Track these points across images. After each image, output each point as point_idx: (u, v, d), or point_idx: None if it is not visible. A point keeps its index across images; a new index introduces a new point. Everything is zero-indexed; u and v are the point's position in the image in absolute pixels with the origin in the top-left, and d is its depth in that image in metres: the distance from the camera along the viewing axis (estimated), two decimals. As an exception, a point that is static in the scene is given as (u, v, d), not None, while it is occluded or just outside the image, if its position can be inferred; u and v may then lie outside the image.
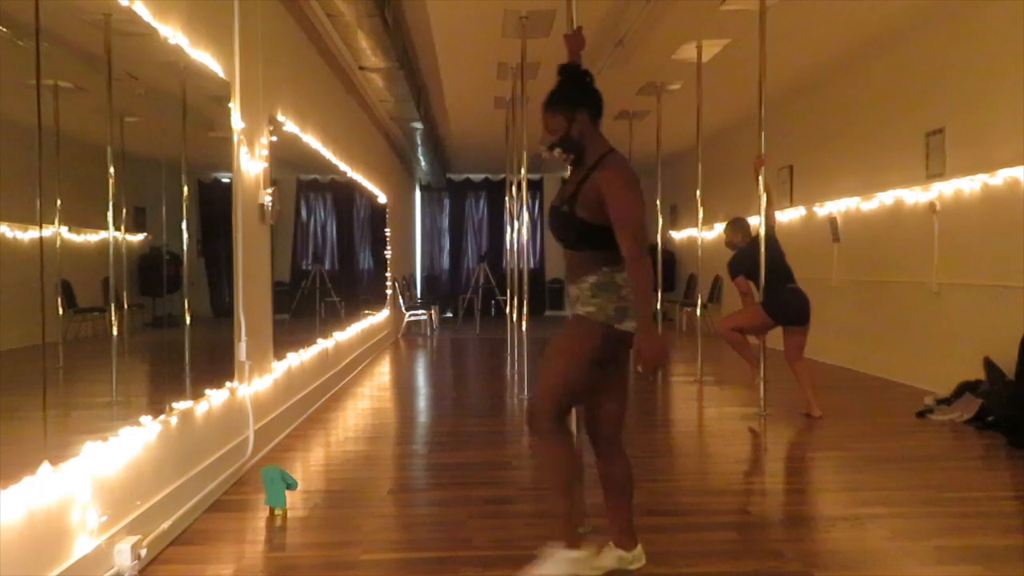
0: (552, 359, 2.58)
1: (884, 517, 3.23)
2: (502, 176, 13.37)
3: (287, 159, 5.15)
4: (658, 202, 8.73)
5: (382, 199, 9.83)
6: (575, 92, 2.57)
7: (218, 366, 3.89)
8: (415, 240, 15.30)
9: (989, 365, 5.15)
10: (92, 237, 2.71)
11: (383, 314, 9.94)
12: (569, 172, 2.72)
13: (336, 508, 3.47)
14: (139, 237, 3.05)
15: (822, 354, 5.84)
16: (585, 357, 2.50)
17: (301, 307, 6.04)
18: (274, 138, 4.72)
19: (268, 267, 4.70)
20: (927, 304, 6.23)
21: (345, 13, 5.09)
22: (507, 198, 9.15)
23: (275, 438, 4.63)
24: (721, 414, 5.60)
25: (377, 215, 9.66)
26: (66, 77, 2.50)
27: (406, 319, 11.80)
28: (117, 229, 2.80)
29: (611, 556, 2.68)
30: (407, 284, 12.75)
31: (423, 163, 12.37)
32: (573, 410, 3.03)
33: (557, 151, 2.59)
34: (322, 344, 6.21)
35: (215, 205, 3.97)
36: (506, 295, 9.09)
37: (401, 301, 11.54)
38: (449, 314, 14.94)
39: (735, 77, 7.26)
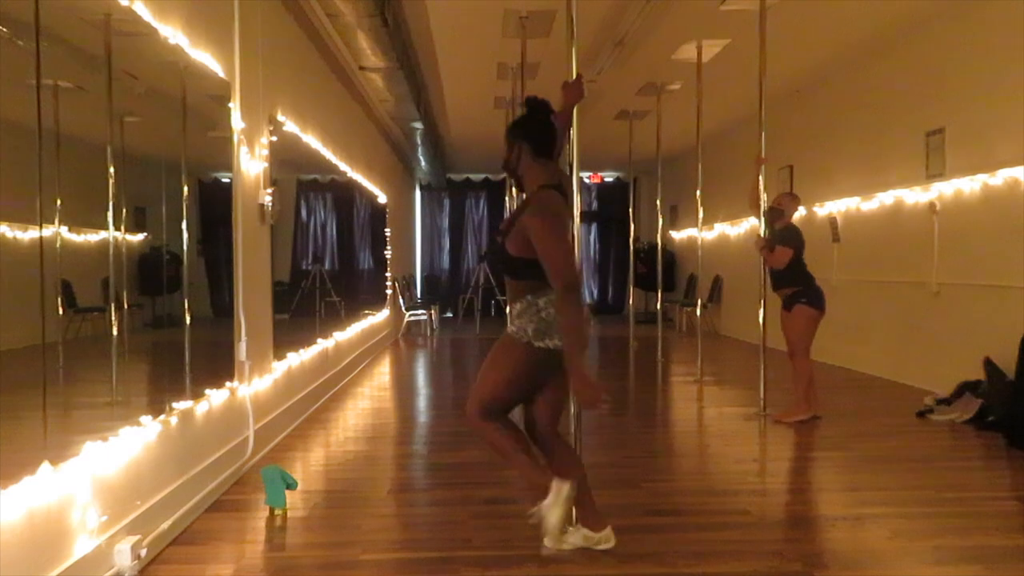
0: (486, 370, 2.82)
1: (884, 517, 3.23)
2: (502, 176, 13.37)
3: (287, 159, 5.15)
4: (658, 202, 8.73)
5: (382, 199, 9.83)
6: (520, 125, 2.86)
7: (218, 366, 3.89)
8: (415, 240, 15.30)
9: (989, 365, 5.14)
10: (92, 237, 2.71)
11: (383, 314, 9.94)
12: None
13: (336, 508, 3.47)
14: (139, 237, 3.05)
15: (822, 354, 5.84)
16: (511, 372, 2.75)
17: (301, 307, 6.04)
18: (274, 138, 4.71)
19: (268, 267, 4.70)
20: (927, 304, 6.23)
21: (345, 13, 5.09)
22: (507, 198, 9.16)
23: (275, 438, 4.63)
24: (721, 414, 5.60)
25: (377, 215, 9.66)
26: (66, 77, 2.50)
27: (406, 319, 11.80)
28: (117, 229, 2.80)
29: (578, 535, 2.89)
30: (407, 284, 12.75)
31: (423, 163, 12.37)
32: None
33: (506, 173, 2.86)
34: (322, 344, 6.21)
35: (215, 205, 3.97)
36: (506, 295, 9.08)
37: (401, 301, 11.54)
38: (449, 314, 14.93)
39: (735, 77, 7.26)
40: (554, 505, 2.69)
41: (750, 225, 9.59)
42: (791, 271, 5.07)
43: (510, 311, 2.83)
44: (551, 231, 2.62)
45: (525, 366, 2.73)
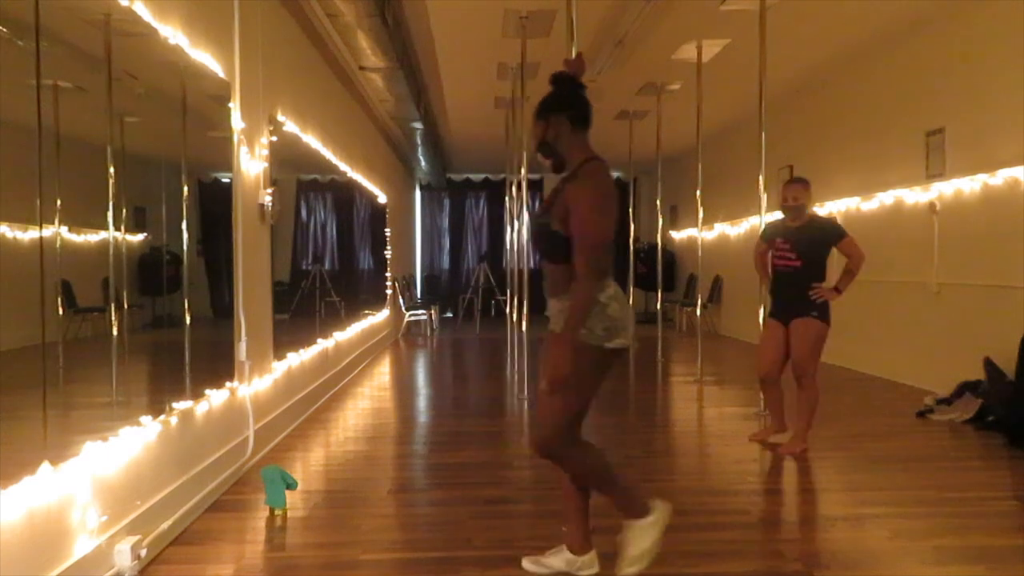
0: (552, 391, 2.48)
1: (884, 517, 3.23)
2: (502, 176, 13.37)
3: (287, 159, 5.15)
4: (658, 202, 8.73)
5: (382, 199, 9.83)
6: (552, 99, 2.61)
7: (218, 366, 3.89)
8: (415, 240, 15.30)
9: (989, 365, 5.14)
10: (92, 237, 2.71)
11: (383, 314, 9.94)
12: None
13: (336, 508, 3.47)
14: (139, 237, 3.05)
15: (823, 354, 5.87)
16: (581, 379, 2.47)
17: (301, 307, 6.04)
18: (274, 138, 4.72)
19: (268, 267, 4.70)
20: (927, 304, 6.23)
21: (345, 13, 5.09)
22: (507, 198, 9.16)
23: (275, 438, 4.63)
24: (721, 414, 5.60)
25: (377, 215, 9.66)
26: (66, 77, 2.50)
27: (406, 319, 11.80)
28: (117, 229, 2.80)
29: (559, 558, 2.72)
30: (407, 284, 12.75)
31: (423, 163, 12.37)
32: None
33: (540, 156, 2.63)
34: (322, 344, 6.21)
35: (215, 205, 3.97)
36: (506, 295, 9.09)
37: (401, 301, 11.54)
38: (449, 314, 14.93)
39: (735, 77, 7.26)
40: (650, 528, 2.55)
41: (750, 225, 9.59)
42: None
43: (560, 305, 2.53)
44: (596, 202, 2.41)
45: (597, 369, 2.48)
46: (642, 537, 2.55)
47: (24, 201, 2.24)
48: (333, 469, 4.15)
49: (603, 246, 2.43)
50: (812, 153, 8.28)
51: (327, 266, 6.94)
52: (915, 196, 6.38)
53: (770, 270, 4.56)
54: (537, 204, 14.72)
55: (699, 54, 6.80)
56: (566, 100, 2.60)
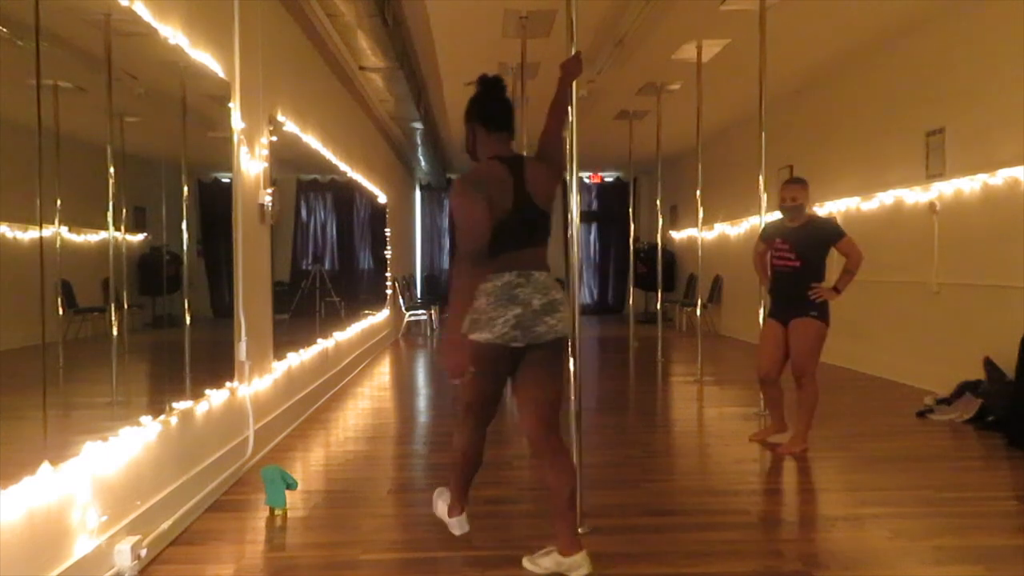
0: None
1: (884, 517, 3.23)
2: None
3: (287, 159, 5.16)
4: (658, 202, 8.74)
5: (382, 199, 9.83)
6: (470, 106, 2.75)
7: (218, 366, 3.89)
8: (415, 240, 15.30)
9: (989, 365, 5.15)
10: (92, 237, 2.71)
11: (383, 314, 9.94)
12: None
13: (336, 508, 3.47)
14: (139, 237, 3.05)
15: (823, 354, 5.87)
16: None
17: (301, 307, 6.04)
18: (274, 138, 4.72)
19: (268, 267, 4.70)
20: (927, 304, 6.23)
21: (345, 13, 5.09)
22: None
23: (275, 438, 4.63)
24: (721, 414, 5.60)
25: (377, 215, 9.66)
26: (66, 77, 2.50)
27: (406, 319, 11.80)
28: (117, 229, 2.80)
29: (550, 559, 2.70)
30: (407, 284, 12.75)
31: (423, 163, 12.38)
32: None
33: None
34: (322, 344, 6.21)
35: (215, 205, 3.97)
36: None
37: (401, 301, 11.54)
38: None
39: (735, 77, 7.26)
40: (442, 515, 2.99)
41: (750, 225, 9.59)
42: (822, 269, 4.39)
43: None
44: (455, 200, 2.55)
45: (471, 361, 2.58)
46: (438, 504, 3.05)
47: (24, 201, 2.24)
48: (333, 469, 4.15)
49: (465, 242, 2.51)
50: (812, 153, 8.27)
51: (327, 266, 6.95)
52: (915, 196, 6.38)
53: (769, 270, 4.55)
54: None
55: (699, 54, 6.80)
56: (474, 107, 2.74)
